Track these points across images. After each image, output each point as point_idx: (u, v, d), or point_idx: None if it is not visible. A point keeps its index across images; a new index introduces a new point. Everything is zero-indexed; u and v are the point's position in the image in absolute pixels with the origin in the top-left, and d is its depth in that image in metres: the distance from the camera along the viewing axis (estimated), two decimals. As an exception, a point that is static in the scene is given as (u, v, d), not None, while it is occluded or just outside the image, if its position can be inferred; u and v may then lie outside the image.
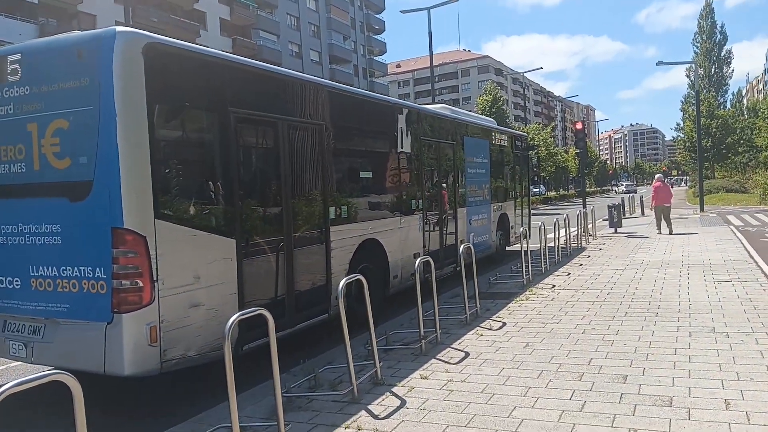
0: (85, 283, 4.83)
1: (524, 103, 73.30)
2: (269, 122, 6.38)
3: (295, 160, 6.70)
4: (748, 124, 54.49)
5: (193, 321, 5.11)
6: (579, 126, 23.75)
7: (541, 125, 75.11)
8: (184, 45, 5.57)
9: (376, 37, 79.95)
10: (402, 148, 9.24)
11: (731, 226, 19.30)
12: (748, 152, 53.66)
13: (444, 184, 10.84)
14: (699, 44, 70.75)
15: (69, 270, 4.92)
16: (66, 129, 4.89)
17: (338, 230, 7.29)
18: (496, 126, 14.95)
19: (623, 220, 20.06)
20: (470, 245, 8.04)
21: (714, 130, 52.69)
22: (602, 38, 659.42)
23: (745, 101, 78.69)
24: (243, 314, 3.95)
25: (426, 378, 5.29)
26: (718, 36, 70.49)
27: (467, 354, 5.98)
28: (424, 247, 9.61)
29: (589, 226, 16.85)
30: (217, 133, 5.67)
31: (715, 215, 25.03)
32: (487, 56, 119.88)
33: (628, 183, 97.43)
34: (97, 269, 4.76)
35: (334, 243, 7.20)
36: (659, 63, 35.11)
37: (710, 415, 4.16)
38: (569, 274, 10.77)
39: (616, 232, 18.65)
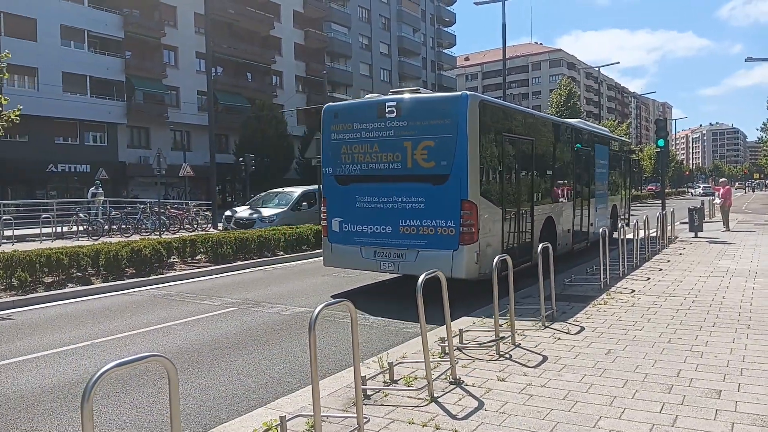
0: (440, 230, 8.76)
1: (598, 98, 70.95)
2: (522, 141, 10.69)
3: (522, 163, 10.76)
4: None
5: (486, 254, 8.82)
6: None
7: (616, 121, 72.42)
8: (492, 99, 10.32)
9: (445, 29, 79.17)
10: (568, 154, 13.34)
11: (825, 235, 17.97)
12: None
13: (585, 180, 14.41)
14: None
15: (429, 221, 8.84)
16: (432, 146, 8.85)
17: (538, 209, 11.14)
18: (611, 134, 19.46)
19: (703, 224, 19.06)
20: (548, 244, 7.84)
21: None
22: (687, 34, 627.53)
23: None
24: (328, 303, 3.94)
25: (503, 380, 5.13)
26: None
27: (545, 358, 5.77)
28: (572, 225, 13.29)
29: (668, 228, 16.09)
30: (496, 147, 9.64)
31: (806, 222, 23.37)
32: (560, 50, 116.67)
33: (706, 185, 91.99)
34: (449, 221, 8.68)
35: (536, 217, 11.00)
36: (748, 59, 33.07)
37: (821, 441, 3.83)
38: (648, 279, 10.29)
39: (696, 236, 17.74)
